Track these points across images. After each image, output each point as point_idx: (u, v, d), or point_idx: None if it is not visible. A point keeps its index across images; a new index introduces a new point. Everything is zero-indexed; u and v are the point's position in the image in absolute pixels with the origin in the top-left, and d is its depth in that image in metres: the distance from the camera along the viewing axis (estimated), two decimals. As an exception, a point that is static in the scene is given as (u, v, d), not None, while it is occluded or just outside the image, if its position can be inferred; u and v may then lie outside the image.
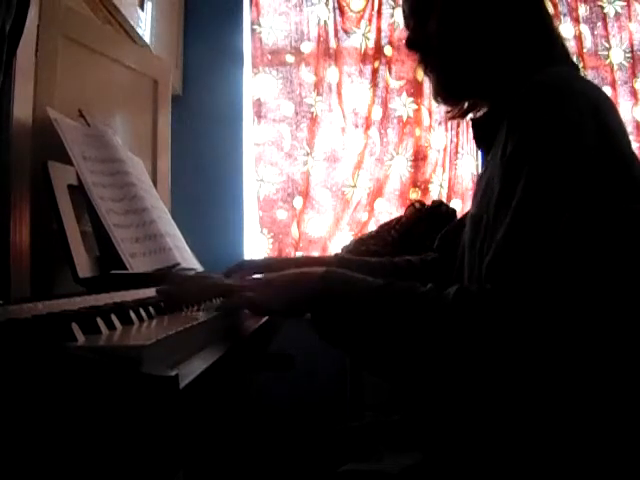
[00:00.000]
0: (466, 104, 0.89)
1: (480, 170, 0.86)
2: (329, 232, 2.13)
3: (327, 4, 2.15)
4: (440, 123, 2.16)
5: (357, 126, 2.15)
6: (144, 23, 1.55)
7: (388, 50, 2.15)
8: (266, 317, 0.85)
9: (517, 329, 0.58)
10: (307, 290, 0.66)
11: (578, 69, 0.81)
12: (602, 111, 0.66)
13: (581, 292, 0.59)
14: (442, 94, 0.84)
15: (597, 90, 0.72)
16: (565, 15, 2.14)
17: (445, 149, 2.15)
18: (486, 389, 0.61)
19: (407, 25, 0.86)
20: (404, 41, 0.86)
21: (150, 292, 0.77)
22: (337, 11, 2.16)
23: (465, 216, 0.94)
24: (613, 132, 0.65)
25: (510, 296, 0.59)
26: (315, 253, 2.11)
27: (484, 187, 0.74)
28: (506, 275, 0.61)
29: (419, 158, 2.16)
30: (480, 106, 0.87)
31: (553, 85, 0.67)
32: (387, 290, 0.63)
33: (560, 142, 0.63)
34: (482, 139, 0.83)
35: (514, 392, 0.61)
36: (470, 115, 0.91)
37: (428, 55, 0.82)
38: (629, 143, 0.68)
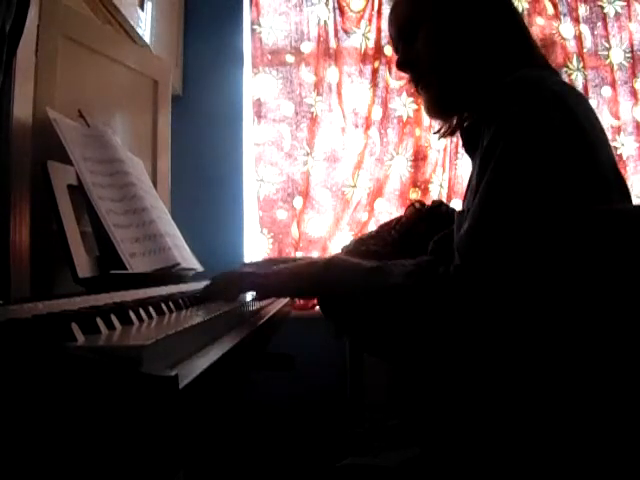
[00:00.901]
0: (454, 120, 0.92)
1: (470, 174, 0.88)
2: (329, 232, 2.12)
3: (327, 4, 2.15)
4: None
5: (357, 126, 2.15)
6: (144, 23, 1.55)
7: (388, 50, 2.15)
8: (266, 317, 0.85)
9: (475, 306, 0.62)
10: (312, 276, 0.77)
11: (558, 74, 0.85)
12: (568, 102, 0.69)
13: (538, 271, 0.62)
14: (435, 109, 0.87)
15: (569, 89, 0.76)
16: (565, 15, 2.14)
17: (445, 149, 2.16)
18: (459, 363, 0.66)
19: (395, 48, 0.90)
20: (395, 63, 0.90)
21: (150, 292, 0.77)
22: (337, 11, 2.15)
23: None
24: (579, 122, 0.68)
25: (466, 277, 0.64)
26: (315, 253, 2.11)
27: (473, 186, 0.77)
28: (469, 253, 0.66)
29: (419, 158, 2.16)
30: (467, 118, 0.90)
31: (525, 82, 0.71)
32: (373, 273, 0.72)
33: (526, 134, 0.66)
34: (470, 146, 0.86)
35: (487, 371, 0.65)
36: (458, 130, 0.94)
37: (420, 73, 0.86)
38: (599, 138, 0.71)
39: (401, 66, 0.87)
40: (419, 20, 0.83)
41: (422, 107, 2.14)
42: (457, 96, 0.84)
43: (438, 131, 0.95)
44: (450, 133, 0.94)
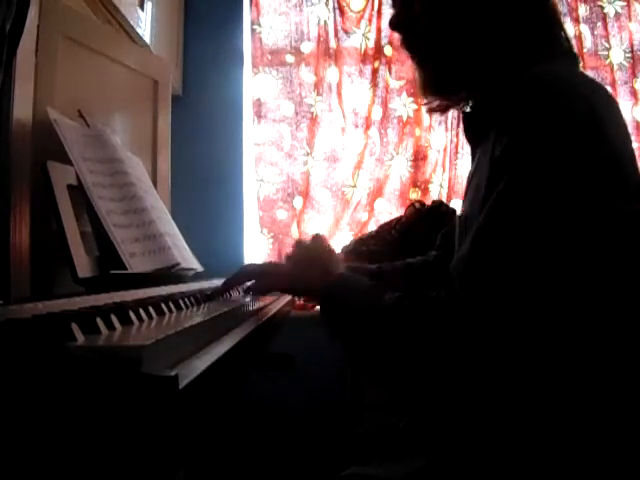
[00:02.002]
0: (450, 98, 0.83)
1: (471, 167, 0.83)
2: (329, 232, 2.12)
3: (327, 4, 2.15)
4: (440, 123, 2.16)
5: (357, 126, 2.15)
6: (144, 23, 1.55)
7: (388, 50, 2.15)
8: (266, 317, 0.85)
9: (472, 338, 0.59)
10: (318, 284, 0.76)
11: (578, 64, 0.77)
12: (598, 112, 0.62)
13: (540, 300, 0.58)
14: (429, 86, 0.79)
15: (595, 88, 0.68)
16: (565, 15, 2.14)
17: (445, 149, 2.16)
18: (453, 392, 0.62)
19: (393, 5, 0.81)
20: (388, 22, 0.80)
21: (150, 292, 0.77)
22: (337, 11, 2.15)
23: None
24: (606, 133, 0.62)
25: (464, 305, 0.60)
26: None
27: (474, 189, 0.72)
28: (466, 281, 0.62)
29: (419, 158, 2.16)
30: (468, 100, 0.82)
31: (547, 85, 0.64)
32: (367, 293, 0.71)
33: (545, 149, 0.60)
34: (472, 132, 0.80)
35: (480, 396, 0.61)
36: (452, 110, 0.87)
37: (412, 38, 0.77)
38: (626, 143, 0.66)
39: (393, 26, 0.79)
40: None
41: (422, 106, 2.14)
42: (454, 72, 0.75)
43: (427, 103, 0.86)
44: (441, 110, 0.86)
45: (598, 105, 0.63)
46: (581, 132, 0.60)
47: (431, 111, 0.86)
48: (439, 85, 0.78)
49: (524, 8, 0.72)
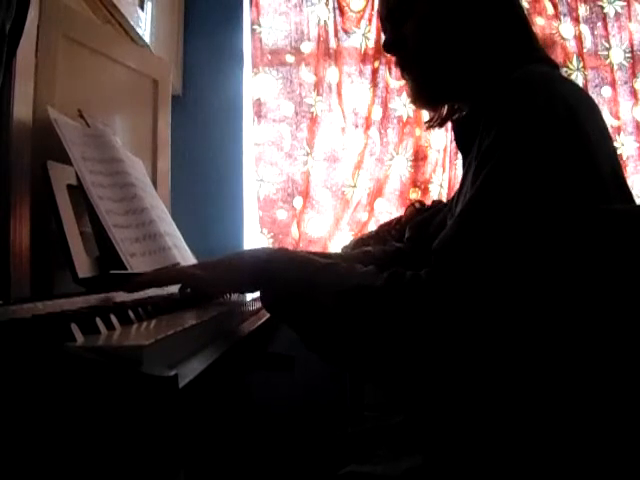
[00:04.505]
0: (444, 111, 0.89)
1: (463, 171, 0.86)
2: (329, 232, 2.13)
3: (327, 4, 2.15)
4: (440, 123, 2.16)
5: (357, 126, 2.16)
6: (144, 23, 1.55)
7: (388, 50, 2.15)
8: (267, 317, 0.85)
9: (447, 317, 0.58)
10: (253, 269, 0.69)
11: (558, 68, 0.82)
12: (577, 111, 0.66)
13: (518, 285, 0.59)
14: (420, 98, 0.84)
15: (575, 90, 0.72)
16: (565, 15, 2.14)
17: (445, 149, 2.16)
18: (423, 373, 0.61)
19: (384, 29, 0.86)
20: (382, 44, 0.85)
21: (150, 292, 0.77)
22: (337, 11, 2.16)
23: (438, 207, 0.95)
24: (584, 132, 0.65)
25: (442, 283, 0.59)
26: (315, 253, 2.11)
27: (466, 190, 0.74)
28: (446, 260, 0.61)
29: (419, 158, 2.16)
30: (459, 110, 0.87)
31: (530, 83, 0.68)
32: (327, 270, 0.66)
33: (527, 140, 0.63)
34: (463, 141, 0.83)
35: (454, 381, 0.61)
36: (448, 122, 0.92)
37: (406, 58, 0.82)
38: (603, 144, 0.68)
39: (387, 48, 0.83)
40: (411, 2, 0.79)
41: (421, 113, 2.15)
42: (443, 84, 0.81)
43: (428, 121, 0.93)
44: (439, 124, 0.91)
45: (577, 103, 0.67)
46: (561, 124, 0.64)
47: (430, 127, 0.93)
48: (429, 95, 0.84)
49: (504, 23, 0.78)
